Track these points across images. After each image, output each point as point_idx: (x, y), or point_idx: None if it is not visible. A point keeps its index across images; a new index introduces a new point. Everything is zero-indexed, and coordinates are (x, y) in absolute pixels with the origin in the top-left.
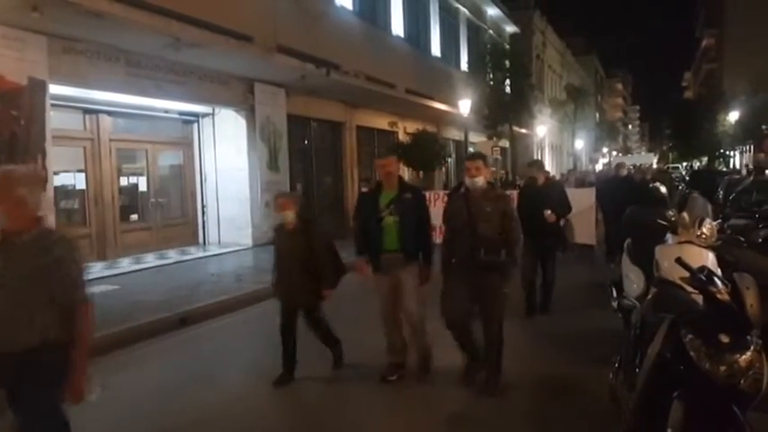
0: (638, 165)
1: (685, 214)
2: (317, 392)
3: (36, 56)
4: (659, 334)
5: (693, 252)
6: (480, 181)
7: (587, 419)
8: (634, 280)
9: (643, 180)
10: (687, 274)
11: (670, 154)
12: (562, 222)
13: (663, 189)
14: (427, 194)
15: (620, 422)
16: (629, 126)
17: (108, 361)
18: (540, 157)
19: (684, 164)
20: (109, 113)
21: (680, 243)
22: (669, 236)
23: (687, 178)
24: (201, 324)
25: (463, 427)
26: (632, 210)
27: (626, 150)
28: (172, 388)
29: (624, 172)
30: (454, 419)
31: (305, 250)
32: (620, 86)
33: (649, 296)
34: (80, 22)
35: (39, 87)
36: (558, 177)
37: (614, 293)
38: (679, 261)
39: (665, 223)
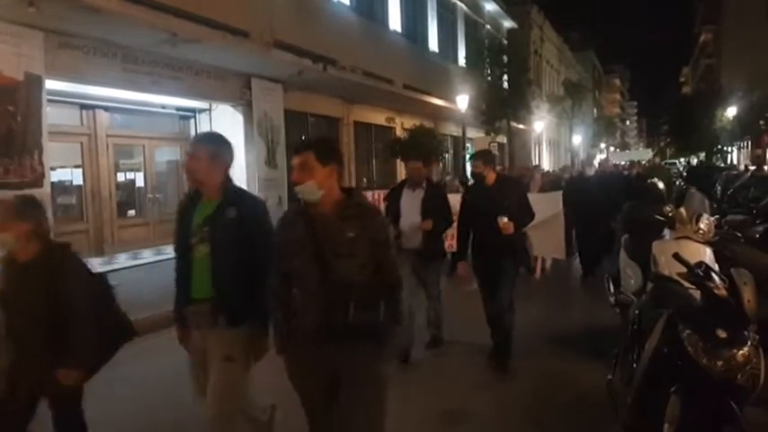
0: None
1: (683, 210)
2: None
3: (32, 51)
4: (657, 329)
5: (691, 248)
6: (313, 189)
7: (584, 414)
8: (631, 275)
9: (628, 177)
10: (684, 270)
11: (668, 150)
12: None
13: (660, 185)
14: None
15: (617, 417)
16: (627, 122)
17: None
18: (537, 153)
19: (682, 160)
20: (106, 109)
21: (677, 239)
22: (667, 231)
23: (685, 174)
24: None
25: (461, 421)
26: (630, 205)
27: (624, 146)
28: (170, 382)
29: (591, 171)
30: (452, 414)
31: (46, 300)
32: (617, 82)
33: (647, 291)
34: (76, 18)
35: (35, 83)
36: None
37: (611, 288)
38: (676, 257)
39: (662, 219)
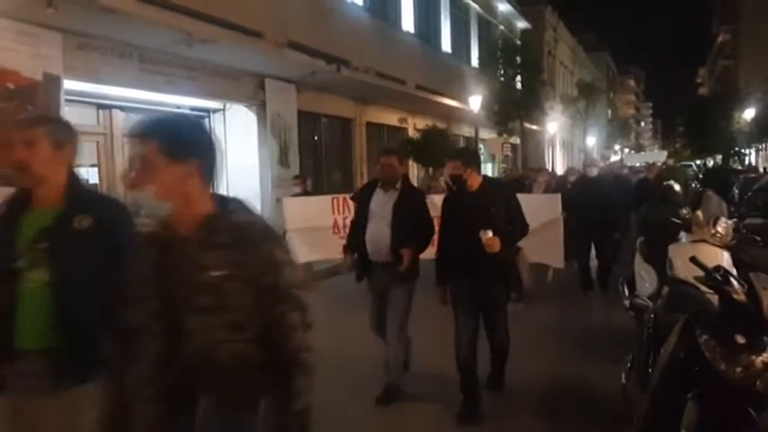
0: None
1: (700, 213)
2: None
3: (51, 52)
4: (673, 334)
5: (708, 251)
6: (153, 199)
7: (598, 420)
8: (646, 279)
9: (644, 180)
10: (702, 274)
11: (683, 151)
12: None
13: (677, 187)
14: (331, 200)
15: (632, 423)
16: (642, 123)
17: None
18: (551, 155)
19: (698, 162)
20: (122, 109)
21: (694, 242)
22: (683, 234)
23: (701, 176)
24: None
25: (474, 423)
26: (645, 208)
27: (638, 148)
28: None
29: (594, 172)
30: (461, 417)
31: None
32: (632, 83)
33: (662, 295)
34: (94, 18)
35: (53, 83)
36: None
37: (626, 292)
38: (694, 260)
39: (679, 221)
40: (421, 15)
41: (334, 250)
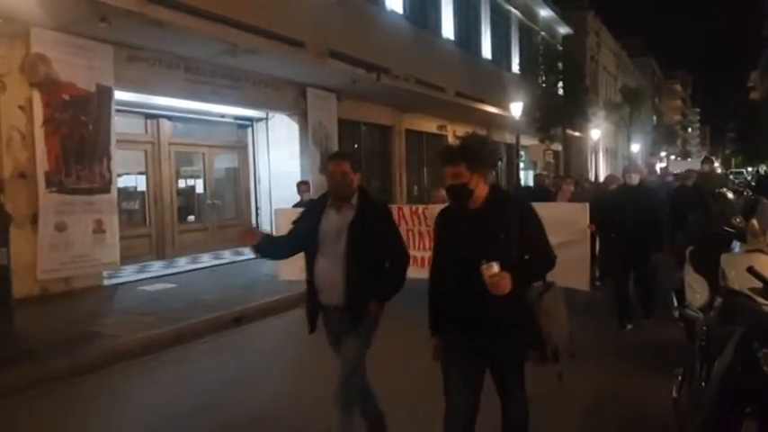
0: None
1: (755, 222)
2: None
3: (103, 64)
4: (729, 347)
5: (764, 261)
6: None
7: None
8: (697, 289)
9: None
10: (758, 285)
11: (733, 158)
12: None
13: (730, 195)
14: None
15: None
16: (689, 129)
17: (166, 356)
18: (594, 162)
19: (750, 168)
20: (168, 118)
21: (749, 251)
22: (736, 244)
23: (754, 184)
24: (255, 323)
25: None
26: (696, 217)
27: (685, 154)
28: (227, 385)
29: (635, 179)
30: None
31: None
32: (678, 88)
33: (715, 307)
34: (143, 31)
35: (105, 94)
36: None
37: (676, 302)
38: (751, 270)
39: (731, 231)
40: (461, 22)
41: None
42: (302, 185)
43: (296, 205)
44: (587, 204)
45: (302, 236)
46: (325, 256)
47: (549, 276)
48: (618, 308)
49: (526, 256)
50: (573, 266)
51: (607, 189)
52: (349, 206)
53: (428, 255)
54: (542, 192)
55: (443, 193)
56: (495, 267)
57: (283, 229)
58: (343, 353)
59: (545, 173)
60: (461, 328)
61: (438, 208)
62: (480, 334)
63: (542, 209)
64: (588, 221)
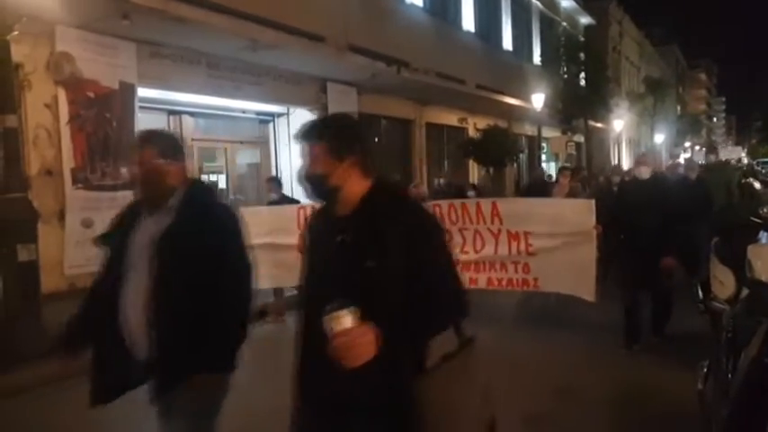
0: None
1: None
2: None
3: (126, 61)
4: (756, 338)
5: None
6: None
7: (673, 425)
8: (723, 281)
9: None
10: None
11: (760, 148)
12: None
13: (757, 185)
14: (297, 210)
15: (709, 430)
16: (714, 119)
17: None
18: (616, 153)
19: None
20: (191, 114)
21: None
22: (763, 234)
23: None
24: (279, 317)
25: (544, 425)
26: (722, 208)
27: (710, 145)
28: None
29: (645, 173)
30: (534, 417)
31: None
32: (703, 77)
33: (742, 298)
34: (165, 28)
35: (128, 91)
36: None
37: (701, 294)
38: None
39: (759, 221)
40: (481, 14)
41: (294, 276)
42: (270, 183)
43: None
44: (593, 201)
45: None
46: (130, 283)
47: (547, 285)
48: (624, 326)
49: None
50: (576, 273)
51: (611, 183)
52: (166, 211)
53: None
54: (541, 187)
55: (423, 189)
56: (348, 319)
57: (252, 230)
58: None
59: (541, 168)
60: (311, 401)
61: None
62: (335, 412)
63: (543, 206)
64: (594, 221)
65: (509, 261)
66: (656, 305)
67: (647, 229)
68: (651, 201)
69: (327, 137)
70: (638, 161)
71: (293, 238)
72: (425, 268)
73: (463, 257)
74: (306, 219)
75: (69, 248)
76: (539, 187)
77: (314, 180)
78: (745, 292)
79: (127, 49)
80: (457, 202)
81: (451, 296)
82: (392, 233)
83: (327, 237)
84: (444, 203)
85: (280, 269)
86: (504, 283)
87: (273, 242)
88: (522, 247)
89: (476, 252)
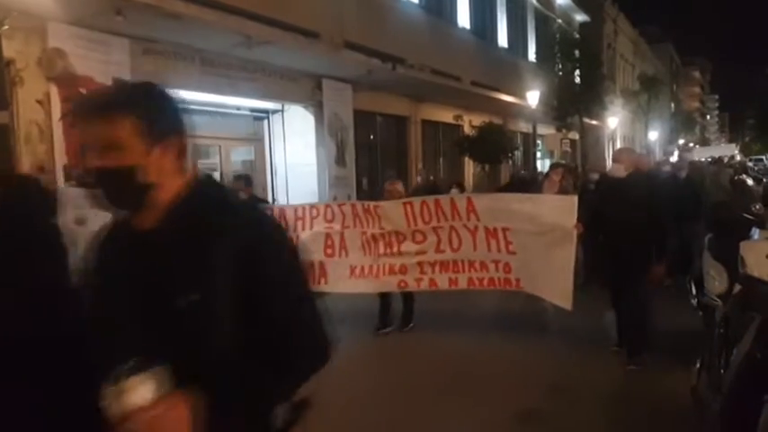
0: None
1: None
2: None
3: (119, 57)
4: (748, 333)
5: None
6: None
7: (666, 422)
8: (716, 277)
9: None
10: None
11: (753, 145)
12: None
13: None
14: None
15: (702, 425)
16: (708, 116)
17: None
18: (611, 150)
19: None
20: (184, 111)
21: None
22: (755, 231)
23: None
24: None
25: (535, 422)
26: (716, 205)
27: (704, 142)
28: None
29: (621, 171)
30: (526, 414)
31: None
32: (697, 75)
33: (734, 294)
34: (159, 24)
35: None
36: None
37: (694, 290)
38: None
39: (751, 217)
40: (477, 11)
41: None
42: (238, 182)
43: None
44: (575, 198)
45: None
46: None
47: (530, 284)
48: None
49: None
50: (554, 276)
51: (588, 180)
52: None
53: (380, 263)
54: (518, 187)
55: (399, 186)
56: (148, 388)
57: None
58: None
59: (523, 171)
60: None
61: (391, 205)
62: None
63: (521, 202)
64: (575, 219)
65: (489, 260)
66: (626, 322)
67: (623, 232)
68: (627, 202)
69: (137, 107)
70: (613, 158)
71: None
72: (270, 301)
73: (440, 256)
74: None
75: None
76: (516, 187)
77: (111, 177)
78: (737, 287)
79: (120, 46)
80: (430, 198)
81: (309, 337)
82: (219, 253)
83: (124, 262)
84: (416, 201)
85: None
86: (485, 282)
87: None
88: (502, 245)
89: (453, 250)
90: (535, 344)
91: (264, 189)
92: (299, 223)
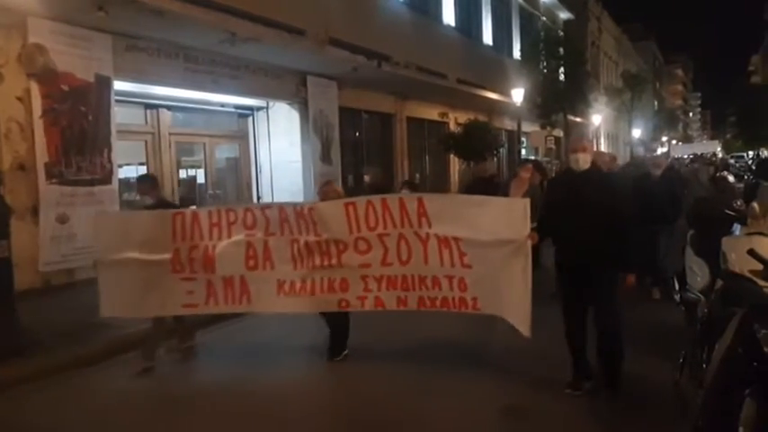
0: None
1: (755, 205)
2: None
3: (102, 54)
4: (730, 328)
5: (765, 244)
6: None
7: (650, 416)
8: (698, 272)
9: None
10: (759, 267)
11: (735, 142)
12: None
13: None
14: (172, 217)
15: (685, 419)
16: (690, 114)
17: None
18: (595, 147)
19: (750, 152)
20: (168, 108)
21: (749, 234)
22: (737, 227)
23: (754, 167)
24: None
25: (521, 417)
26: (697, 201)
27: (686, 139)
28: (233, 372)
29: (580, 163)
30: (512, 409)
31: None
32: (680, 72)
33: (716, 289)
34: (142, 20)
35: (104, 84)
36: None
37: (677, 286)
38: (752, 253)
39: (732, 214)
40: (462, 9)
41: (170, 302)
42: (143, 184)
43: (134, 207)
44: (527, 201)
45: None
46: None
47: (489, 304)
48: (572, 360)
49: None
50: (510, 294)
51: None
52: None
53: (316, 277)
54: (483, 187)
55: (336, 187)
56: None
57: (109, 243)
58: None
59: (488, 168)
60: None
61: (330, 207)
62: None
63: (474, 205)
64: (528, 228)
65: (442, 275)
66: (601, 344)
67: (577, 239)
68: (585, 201)
69: None
70: (573, 146)
71: (166, 253)
72: None
73: (387, 270)
74: (184, 226)
75: (44, 245)
76: (480, 187)
77: None
78: (719, 283)
79: (102, 42)
80: (376, 198)
81: None
82: None
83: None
84: (361, 202)
85: (149, 292)
86: (438, 303)
87: (139, 258)
88: (456, 257)
89: (402, 264)
90: (518, 339)
91: (249, 186)
92: (215, 230)
